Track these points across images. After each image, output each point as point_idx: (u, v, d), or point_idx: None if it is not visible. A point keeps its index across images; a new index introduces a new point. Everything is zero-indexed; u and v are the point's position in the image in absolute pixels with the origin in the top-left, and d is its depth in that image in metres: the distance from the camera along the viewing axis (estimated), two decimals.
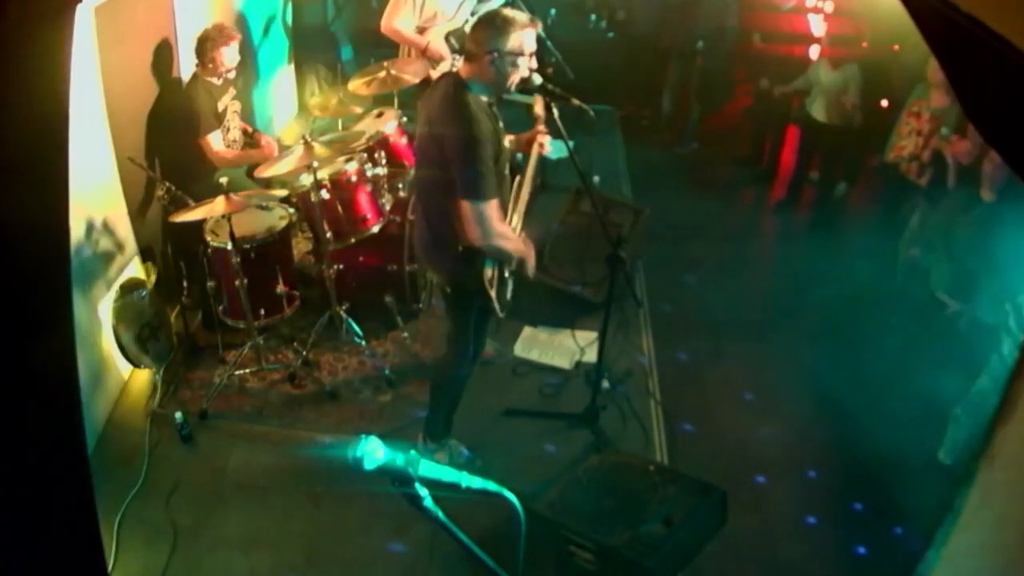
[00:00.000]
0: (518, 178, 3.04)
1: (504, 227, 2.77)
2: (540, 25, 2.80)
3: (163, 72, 4.19)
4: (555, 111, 2.92)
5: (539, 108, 3.09)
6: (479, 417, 3.64)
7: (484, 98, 2.75)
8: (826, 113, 5.33)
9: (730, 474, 3.26)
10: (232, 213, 3.41)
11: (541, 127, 3.10)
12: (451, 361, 3.23)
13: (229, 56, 4.04)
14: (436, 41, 4.57)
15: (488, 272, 2.87)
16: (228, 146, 4.22)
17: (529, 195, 3.11)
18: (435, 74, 4.49)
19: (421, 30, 4.60)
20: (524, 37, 2.66)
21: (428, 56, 4.55)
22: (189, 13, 4.42)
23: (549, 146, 3.14)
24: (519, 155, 3.21)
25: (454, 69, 4.65)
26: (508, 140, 3.04)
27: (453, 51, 4.59)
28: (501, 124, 2.84)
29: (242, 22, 5.44)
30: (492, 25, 2.65)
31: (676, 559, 2.71)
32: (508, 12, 2.67)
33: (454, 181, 2.67)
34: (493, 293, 2.91)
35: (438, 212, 2.83)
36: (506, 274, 3.05)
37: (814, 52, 5.65)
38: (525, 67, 2.71)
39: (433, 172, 2.78)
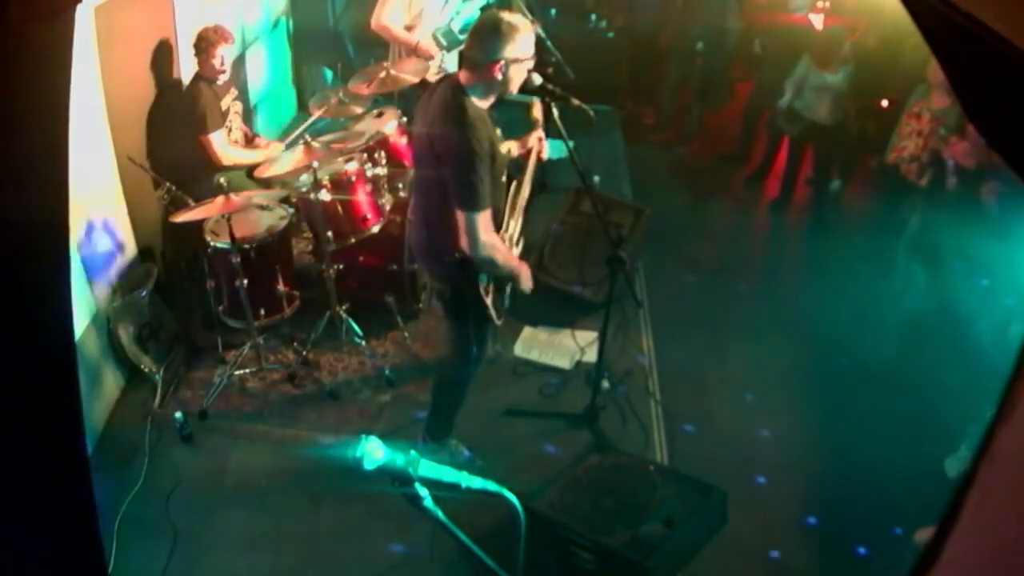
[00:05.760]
0: (515, 183, 3.03)
1: (494, 238, 2.74)
2: (539, 25, 2.79)
3: (163, 72, 4.19)
4: (555, 111, 2.91)
5: (537, 112, 3.08)
6: (479, 417, 3.64)
7: (484, 104, 2.73)
8: (832, 114, 5.29)
9: (730, 474, 3.25)
10: (232, 213, 3.41)
11: (539, 132, 3.09)
12: (453, 364, 3.22)
13: (224, 56, 4.05)
14: (425, 39, 4.58)
15: (484, 279, 2.86)
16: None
17: (527, 198, 3.11)
18: (430, 74, 4.50)
19: (409, 28, 4.61)
20: (528, 41, 2.65)
21: (418, 54, 4.57)
22: (189, 13, 4.42)
23: (547, 151, 3.12)
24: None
25: (443, 66, 4.72)
26: (508, 145, 3.03)
27: (440, 48, 4.60)
28: (498, 130, 2.82)
29: (243, 22, 5.45)
30: (499, 32, 2.59)
31: (676, 559, 2.71)
32: (510, 17, 2.64)
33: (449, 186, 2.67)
34: (489, 301, 2.91)
35: (436, 217, 2.81)
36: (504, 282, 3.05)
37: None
38: (526, 71, 2.70)
39: (430, 177, 2.77)
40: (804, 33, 5.92)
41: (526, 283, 3.00)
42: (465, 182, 2.61)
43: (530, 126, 3.15)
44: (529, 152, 3.09)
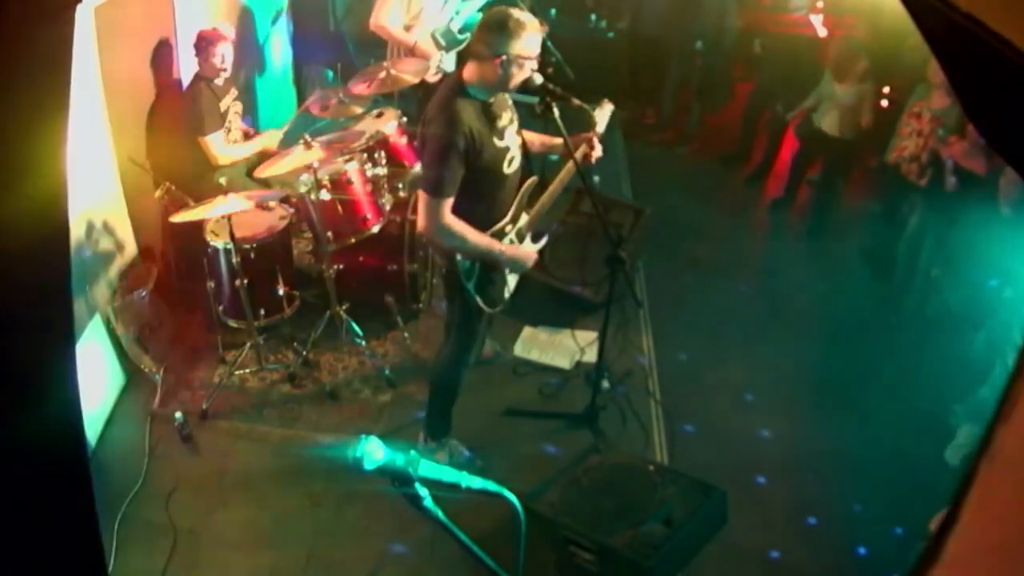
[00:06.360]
0: (533, 179, 3.04)
1: (459, 225, 2.77)
2: (547, 28, 2.80)
3: (163, 72, 4.19)
4: (555, 111, 2.92)
5: (599, 117, 3.12)
6: (479, 417, 3.64)
7: (482, 99, 2.76)
8: (839, 127, 5.22)
9: (730, 474, 3.25)
10: (232, 213, 3.41)
11: (592, 135, 3.08)
12: (444, 354, 3.26)
13: (225, 55, 4.04)
14: (423, 39, 4.59)
15: (466, 264, 2.91)
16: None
17: (552, 196, 3.10)
18: (429, 75, 4.50)
19: (408, 28, 4.62)
20: (533, 40, 2.68)
21: (416, 54, 4.58)
22: (189, 13, 4.42)
23: (596, 154, 3.09)
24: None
25: (441, 65, 4.72)
26: (538, 140, 3.11)
27: (439, 48, 4.61)
28: (504, 122, 2.84)
29: (243, 22, 5.44)
30: (504, 28, 2.62)
31: (676, 559, 2.71)
32: (519, 14, 2.66)
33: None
34: (471, 286, 2.94)
35: None
36: (504, 272, 3.06)
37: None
38: (529, 69, 2.72)
39: None
40: (804, 34, 5.92)
41: (523, 265, 3.05)
42: (433, 168, 2.71)
43: (532, 124, 3.15)
44: (571, 151, 3.08)
